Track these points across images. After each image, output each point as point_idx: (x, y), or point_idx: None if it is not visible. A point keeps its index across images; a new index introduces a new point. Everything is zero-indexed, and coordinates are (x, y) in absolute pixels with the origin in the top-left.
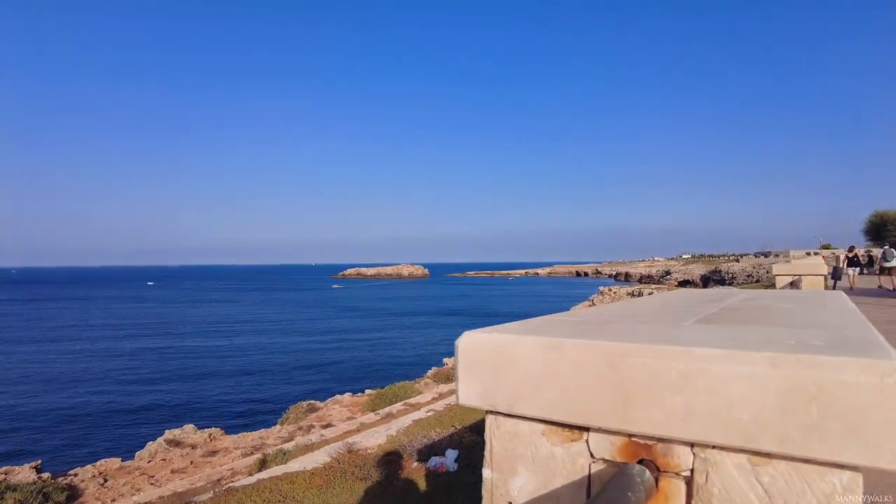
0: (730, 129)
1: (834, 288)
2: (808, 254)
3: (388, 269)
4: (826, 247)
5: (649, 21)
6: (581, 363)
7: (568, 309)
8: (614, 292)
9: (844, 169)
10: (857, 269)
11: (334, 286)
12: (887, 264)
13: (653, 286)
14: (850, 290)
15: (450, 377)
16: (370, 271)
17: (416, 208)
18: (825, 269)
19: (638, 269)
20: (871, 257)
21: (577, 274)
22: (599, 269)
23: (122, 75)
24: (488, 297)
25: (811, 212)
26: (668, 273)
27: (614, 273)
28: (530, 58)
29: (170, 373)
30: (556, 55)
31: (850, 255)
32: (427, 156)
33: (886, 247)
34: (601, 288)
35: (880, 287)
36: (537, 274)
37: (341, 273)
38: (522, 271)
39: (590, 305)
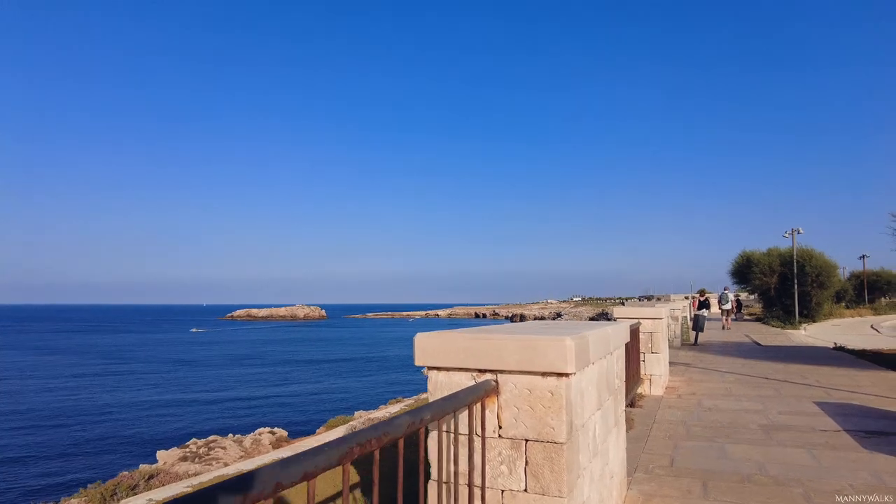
0: (616, 183)
1: (696, 341)
2: (686, 297)
3: (282, 311)
4: (702, 292)
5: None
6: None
7: None
8: None
9: (719, 216)
10: (707, 311)
11: (193, 329)
12: (724, 307)
13: None
14: (726, 328)
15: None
16: (261, 312)
17: (313, 247)
18: (615, 343)
19: (532, 310)
20: (703, 301)
21: (476, 315)
22: (497, 310)
23: None
24: (380, 340)
25: (688, 257)
26: (559, 315)
27: (510, 315)
28: (433, 99)
29: None
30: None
31: (701, 298)
32: (325, 195)
33: (724, 290)
34: None
35: (724, 328)
36: (437, 315)
37: (229, 314)
38: (423, 312)
39: None
